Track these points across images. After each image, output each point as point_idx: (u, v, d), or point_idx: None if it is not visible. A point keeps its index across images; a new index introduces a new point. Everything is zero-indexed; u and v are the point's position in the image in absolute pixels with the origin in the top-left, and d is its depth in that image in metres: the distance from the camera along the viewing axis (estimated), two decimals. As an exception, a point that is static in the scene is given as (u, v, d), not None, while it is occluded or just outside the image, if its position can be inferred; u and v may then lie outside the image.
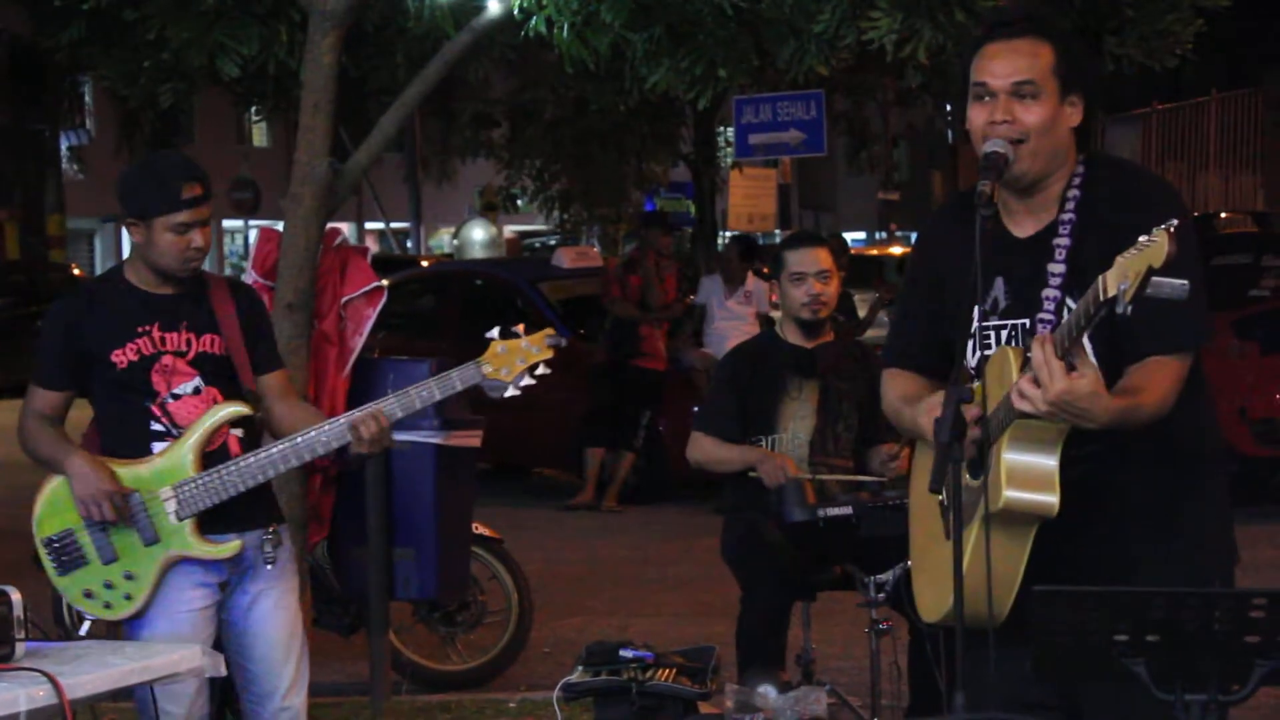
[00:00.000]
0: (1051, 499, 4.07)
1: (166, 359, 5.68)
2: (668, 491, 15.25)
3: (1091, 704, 4.30)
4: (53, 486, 5.70)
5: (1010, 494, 4.07)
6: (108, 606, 5.68)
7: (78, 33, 8.99)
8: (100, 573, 5.65)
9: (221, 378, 5.74)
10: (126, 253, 5.91)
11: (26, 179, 35.97)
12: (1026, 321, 4.32)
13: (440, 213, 49.96)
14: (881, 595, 6.73)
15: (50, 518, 5.69)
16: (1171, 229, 3.65)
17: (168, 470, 5.63)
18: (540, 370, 5.75)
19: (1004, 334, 4.32)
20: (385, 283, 8.25)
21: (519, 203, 32.00)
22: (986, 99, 4.32)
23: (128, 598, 5.65)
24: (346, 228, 39.13)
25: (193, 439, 5.63)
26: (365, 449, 5.61)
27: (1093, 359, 4.03)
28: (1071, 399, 3.90)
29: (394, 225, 43.32)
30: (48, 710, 4.51)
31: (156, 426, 5.67)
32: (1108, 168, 4.41)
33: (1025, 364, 4.06)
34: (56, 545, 5.68)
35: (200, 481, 5.61)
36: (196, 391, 5.70)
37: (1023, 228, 4.38)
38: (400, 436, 7.54)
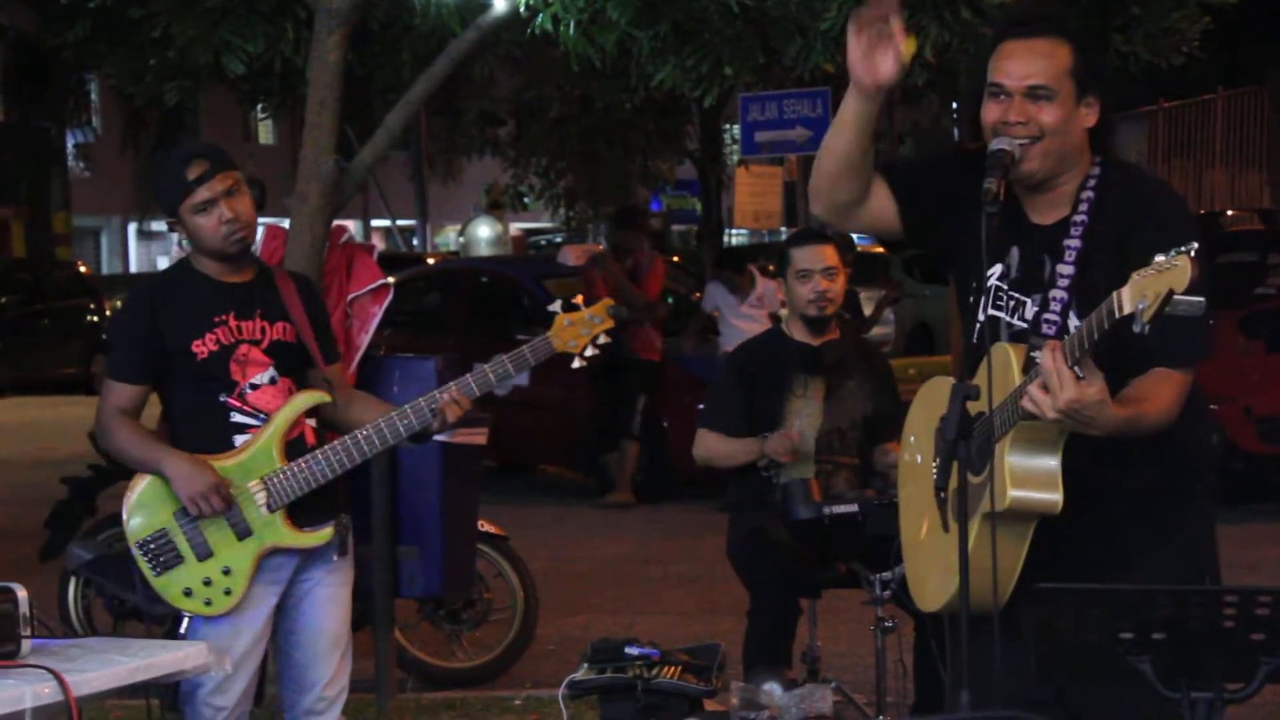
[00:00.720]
0: (1055, 497, 4.11)
1: (243, 348, 5.69)
2: (672, 489, 15.25)
3: (1090, 703, 4.31)
4: (140, 488, 5.66)
5: (1015, 494, 4.10)
6: (208, 603, 5.65)
7: (83, 31, 9.00)
8: (198, 570, 5.62)
9: (294, 366, 5.76)
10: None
11: (32, 177, 36.02)
12: (1026, 301, 4.34)
13: (446, 210, 49.98)
14: (887, 593, 6.73)
15: (142, 519, 5.66)
16: (1193, 253, 3.67)
17: (254, 462, 5.64)
18: (603, 340, 5.92)
19: (1011, 302, 4.36)
20: (391, 280, 8.25)
21: (525, 200, 31.97)
22: (1001, 97, 4.33)
23: (228, 592, 5.64)
24: (352, 225, 39.11)
25: (276, 430, 5.65)
26: (448, 429, 5.76)
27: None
28: (1080, 406, 3.93)
29: (400, 223, 43.32)
30: (53, 707, 4.51)
31: (237, 418, 5.67)
32: (1121, 172, 4.44)
33: (1028, 364, 4.09)
34: (151, 546, 5.64)
35: (288, 472, 5.62)
36: (273, 381, 5.70)
37: (1041, 215, 4.41)
38: (406, 434, 7.56)
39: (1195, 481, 4.45)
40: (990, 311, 4.41)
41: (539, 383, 16.09)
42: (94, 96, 38.10)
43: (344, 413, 5.84)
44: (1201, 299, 3.71)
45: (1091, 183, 4.38)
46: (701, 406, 7.60)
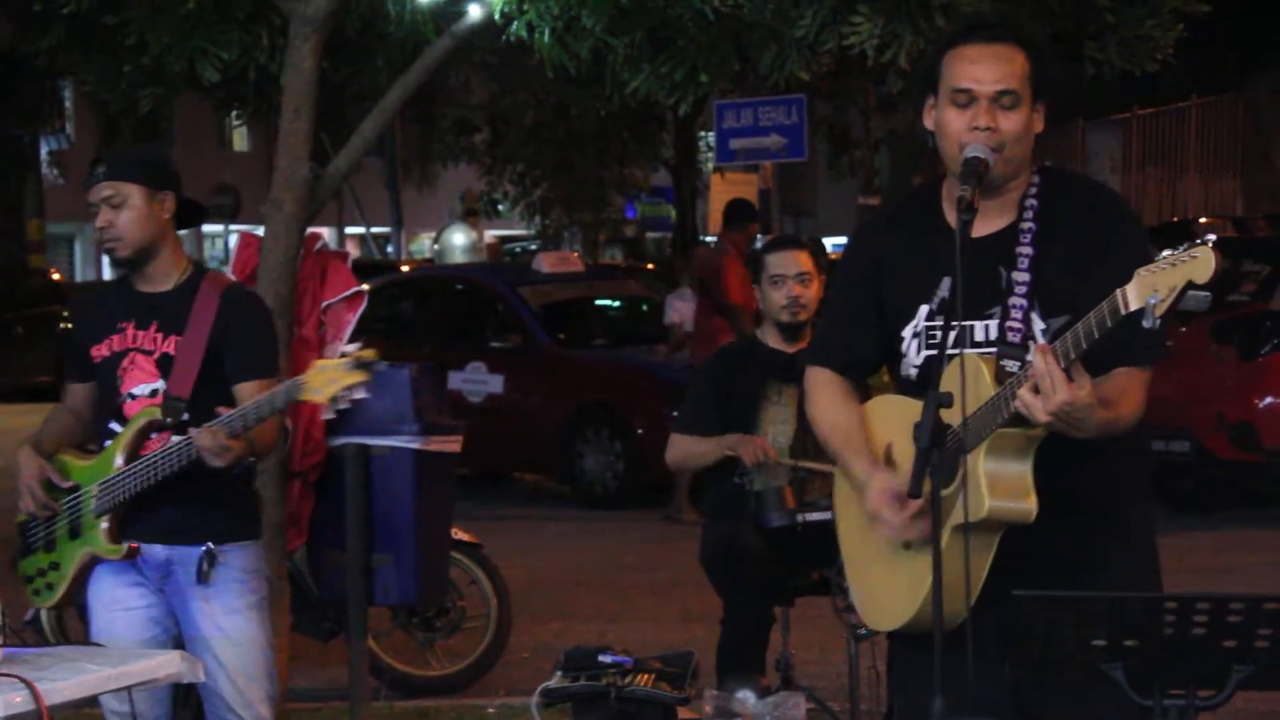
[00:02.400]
0: (1030, 506, 4.11)
1: (131, 356, 5.75)
2: (647, 496, 15.25)
3: (1058, 709, 4.30)
4: None
5: (993, 503, 4.10)
6: (37, 594, 5.93)
7: (57, 38, 8.96)
8: (40, 560, 5.87)
9: (170, 379, 5.76)
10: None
11: (6, 184, 35.90)
12: (975, 325, 4.32)
13: (421, 217, 49.91)
14: (861, 600, 6.72)
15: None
16: (1214, 244, 3.68)
17: (100, 468, 5.74)
18: (359, 395, 5.55)
19: (951, 335, 4.31)
20: (366, 288, 8.23)
21: (500, 207, 31.99)
22: (968, 105, 4.31)
23: (50, 587, 5.86)
24: (327, 232, 39.09)
25: (123, 439, 5.71)
26: (210, 461, 5.51)
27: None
28: (1071, 409, 3.93)
29: (375, 230, 43.29)
30: (26, 716, 4.49)
31: (113, 424, 5.77)
32: (1060, 176, 4.45)
33: (999, 374, 4.09)
34: (23, 529, 5.92)
35: (113, 479, 5.69)
36: (153, 394, 5.73)
37: (980, 227, 4.36)
38: (379, 442, 7.55)
39: (1142, 483, 4.48)
40: (926, 352, 4.39)
41: (512, 389, 16.12)
42: (68, 103, 38.01)
43: None
44: (1209, 293, 3.71)
45: (1034, 190, 4.37)
46: (676, 413, 7.60)
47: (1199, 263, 3.67)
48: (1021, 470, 4.13)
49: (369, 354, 5.55)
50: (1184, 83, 27.62)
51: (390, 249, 44.30)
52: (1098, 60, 8.99)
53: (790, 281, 7.30)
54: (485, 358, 16.47)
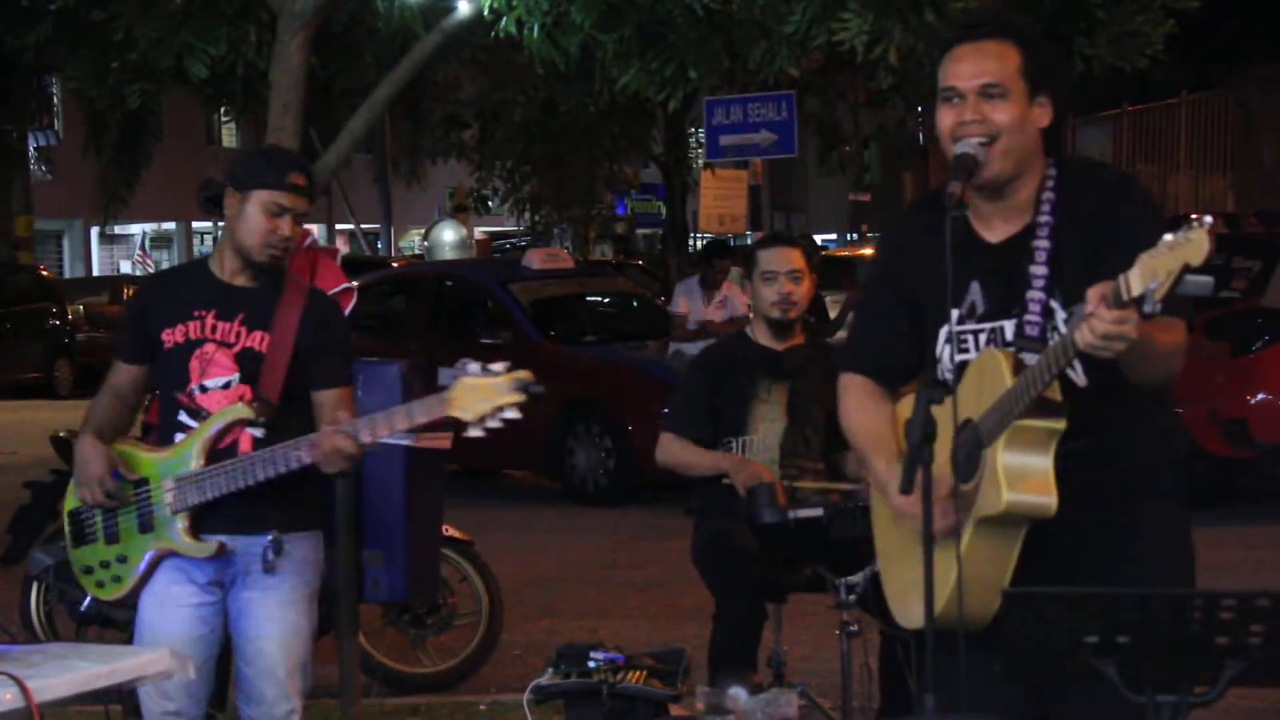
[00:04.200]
0: (1050, 500, 4.09)
1: (209, 347, 5.66)
2: (637, 493, 15.24)
3: (1062, 707, 4.30)
4: None
5: (1011, 496, 4.08)
6: (100, 585, 5.78)
7: (45, 33, 8.96)
8: (101, 552, 5.74)
9: (258, 378, 5.70)
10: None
11: (-7, 180, 35.80)
12: (1005, 324, 4.32)
13: (410, 214, 49.88)
14: (852, 597, 6.72)
15: (75, 492, 5.79)
16: (1209, 227, 3.66)
17: (175, 462, 5.65)
18: (510, 415, 5.28)
19: (982, 338, 4.33)
20: (355, 284, 8.23)
21: (489, 204, 31.95)
22: (955, 101, 4.32)
23: (116, 580, 5.72)
24: (316, 229, 39.07)
25: (203, 434, 5.63)
26: (329, 465, 5.53)
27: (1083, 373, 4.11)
28: (1129, 321, 3.80)
29: (364, 226, 43.24)
30: (15, 714, 4.48)
31: (181, 415, 5.68)
32: (1078, 166, 4.43)
33: (1017, 367, 4.08)
34: (76, 518, 5.80)
35: (194, 478, 5.60)
36: (227, 386, 5.67)
37: (995, 232, 4.37)
38: (370, 438, 7.52)
39: (1174, 479, 4.44)
40: (959, 357, 4.38)
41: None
42: (56, 99, 37.92)
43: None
44: (1210, 279, 3.68)
45: (1050, 183, 4.36)
46: (666, 410, 7.58)
47: (1193, 245, 3.65)
48: (1042, 464, 4.10)
49: (526, 374, 5.31)
50: (1174, 80, 27.65)
51: (379, 245, 44.24)
52: (1088, 56, 8.99)
53: (782, 278, 7.29)
54: (475, 354, 16.37)
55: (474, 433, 5.27)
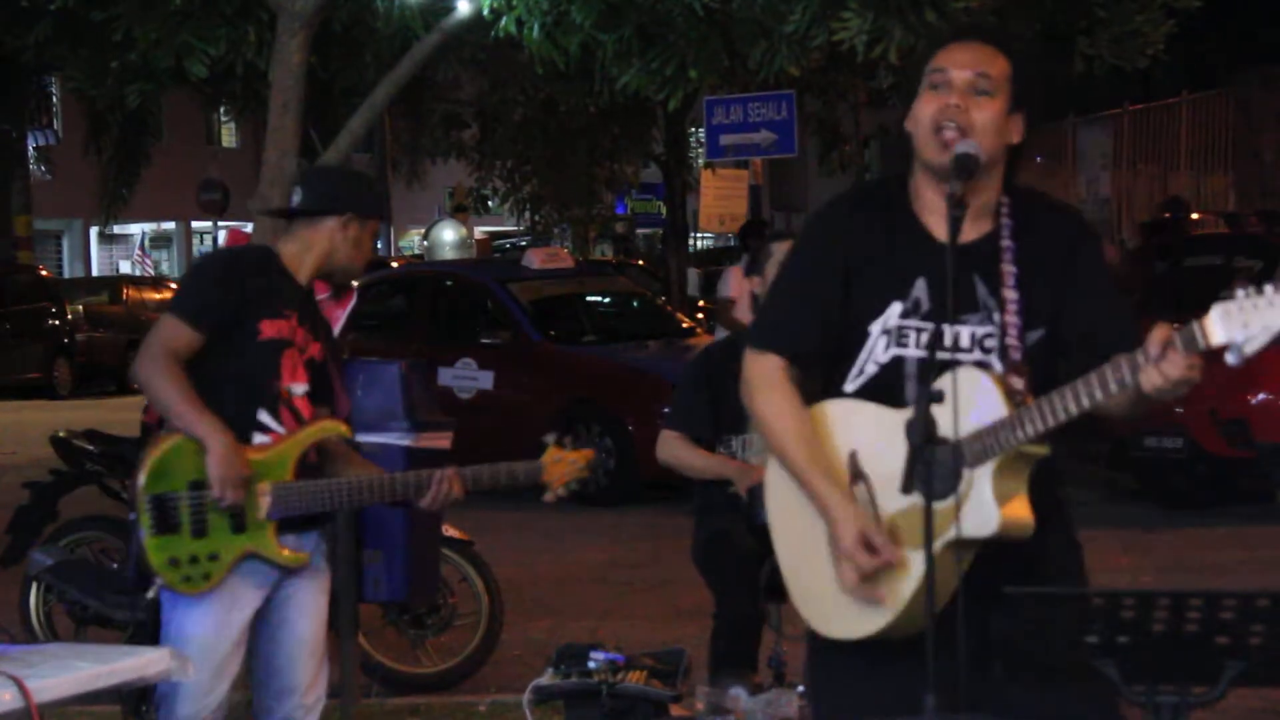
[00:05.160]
0: (1031, 520, 4.12)
1: (294, 350, 5.67)
2: (637, 494, 15.23)
3: (1050, 709, 4.28)
4: (173, 444, 5.58)
5: (1005, 519, 4.08)
6: (187, 580, 5.60)
7: (45, 32, 8.96)
8: (190, 545, 5.58)
9: (321, 388, 5.74)
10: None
11: (-7, 180, 35.83)
12: (961, 329, 4.27)
13: (410, 213, 49.91)
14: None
15: (160, 475, 5.58)
16: None
17: (271, 467, 5.61)
18: (575, 487, 6.18)
19: (923, 335, 4.25)
20: (355, 283, 8.22)
21: (489, 204, 31.96)
22: (941, 89, 4.28)
23: (206, 577, 5.60)
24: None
25: (300, 442, 5.65)
26: (437, 505, 5.83)
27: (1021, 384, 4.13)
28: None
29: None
30: (15, 714, 4.48)
31: (263, 415, 5.63)
32: (1028, 195, 4.44)
33: (1009, 392, 4.08)
34: (161, 504, 5.58)
35: (297, 488, 5.61)
36: (305, 395, 5.70)
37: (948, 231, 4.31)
38: (369, 439, 7.53)
39: (1060, 474, 4.45)
40: (895, 350, 4.32)
41: (503, 386, 16.11)
42: (55, 99, 37.94)
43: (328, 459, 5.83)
44: None
45: (1005, 208, 4.35)
46: (667, 409, 7.58)
47: None
48: (1021, 487, 4.13)
49: (590, 454, 6.26)
50: (1175, 79, 27.67)
51: (379, 245, 44.24)
52: (1089, 55, 8.99)
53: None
54: (475, 354, 16.46)
55: (548, 497, 6.12)
